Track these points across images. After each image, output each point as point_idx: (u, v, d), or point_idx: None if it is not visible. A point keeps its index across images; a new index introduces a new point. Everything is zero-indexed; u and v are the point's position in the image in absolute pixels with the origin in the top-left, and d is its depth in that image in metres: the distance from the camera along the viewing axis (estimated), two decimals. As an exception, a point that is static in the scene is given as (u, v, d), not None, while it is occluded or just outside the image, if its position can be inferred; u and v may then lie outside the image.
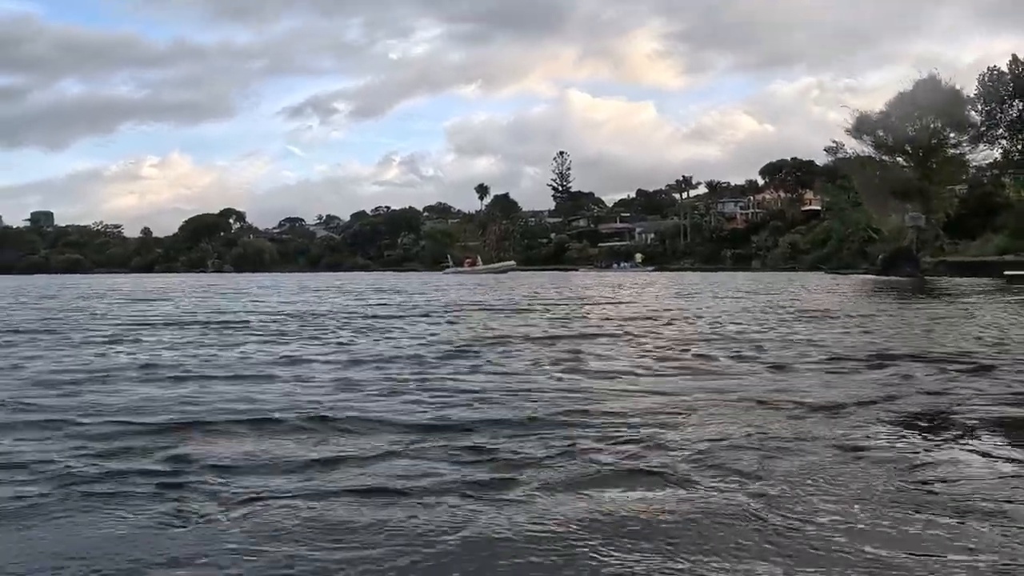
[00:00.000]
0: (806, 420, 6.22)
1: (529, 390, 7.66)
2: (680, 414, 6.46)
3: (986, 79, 66.60)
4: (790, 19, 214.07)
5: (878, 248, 67.11)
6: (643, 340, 12.95)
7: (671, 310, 21.95)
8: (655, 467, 4.83)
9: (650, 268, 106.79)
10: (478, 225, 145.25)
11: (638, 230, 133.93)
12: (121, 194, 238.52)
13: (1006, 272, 41.24)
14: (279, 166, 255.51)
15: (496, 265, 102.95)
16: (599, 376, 8.70)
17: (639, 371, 9.03)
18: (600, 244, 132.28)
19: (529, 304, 25.62)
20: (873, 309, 21.70)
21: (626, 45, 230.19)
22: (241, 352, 11.51)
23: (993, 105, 65.88)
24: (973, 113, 62.99)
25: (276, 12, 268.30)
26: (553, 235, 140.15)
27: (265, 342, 13.04)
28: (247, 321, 18.30)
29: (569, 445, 5.36)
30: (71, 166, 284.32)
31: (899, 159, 62.67)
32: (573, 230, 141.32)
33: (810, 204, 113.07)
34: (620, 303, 26.66)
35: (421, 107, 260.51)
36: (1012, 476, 4.69)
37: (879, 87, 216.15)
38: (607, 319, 18.98)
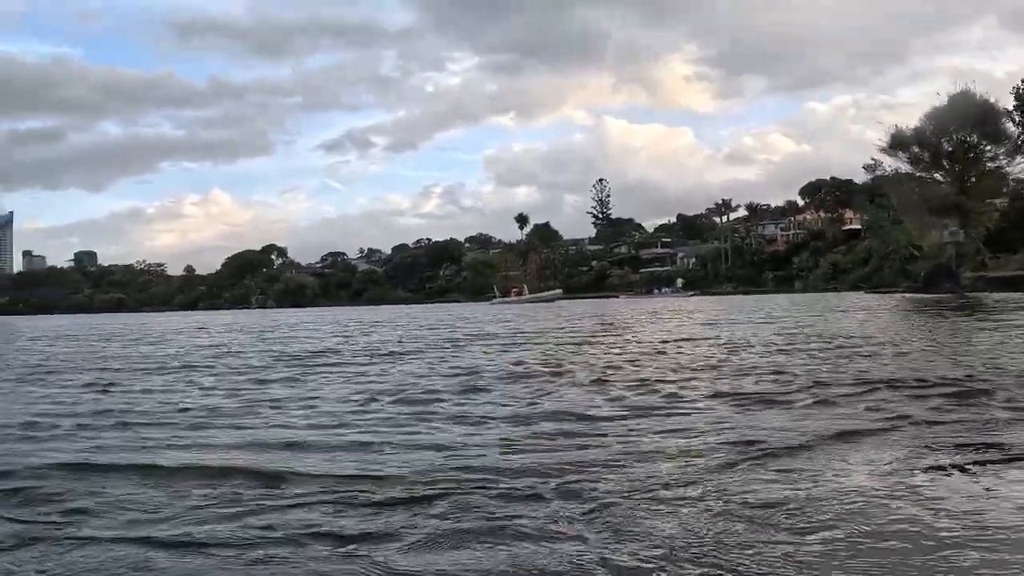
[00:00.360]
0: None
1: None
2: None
3: (1021, 91, 65.92)
4: (821, 39, 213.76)
5: (919, 266, 66.55)
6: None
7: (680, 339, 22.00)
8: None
9: (691, 293, 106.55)
10: (519, 255, 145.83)
11: (679, 255, 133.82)
12: (163, 232, 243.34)
13: None
14: (319, 200, 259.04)
15: (543, 294, 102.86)
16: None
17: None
18: (641, 270, 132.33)
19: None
20: (895, 331, 21.72)
21: (660, 71, 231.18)
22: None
23: (1032, 116, 65.13)
24: (1009, 125, 62.21)
25: (310, 48, 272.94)
26: (594, 262, 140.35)
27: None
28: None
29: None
30: (113, 206, 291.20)
31: (936, 175, 62.08)
32: (614, 257, 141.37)
33: (851, 223, 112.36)
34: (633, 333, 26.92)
35: (458, 138, 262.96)
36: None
37: (914, 103, 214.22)
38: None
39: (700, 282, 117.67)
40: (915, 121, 63.38)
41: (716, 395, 8.87)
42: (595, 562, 3.63)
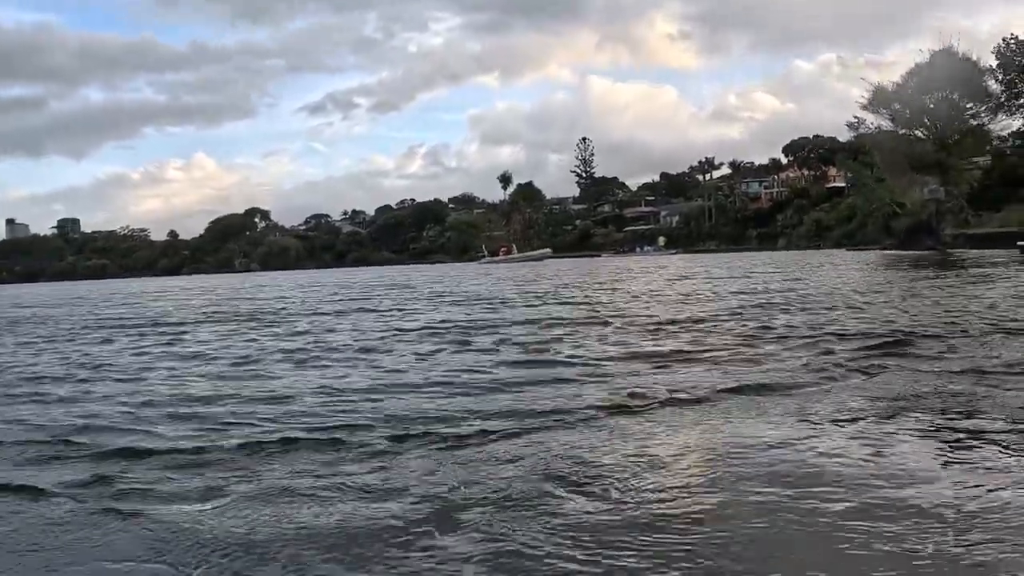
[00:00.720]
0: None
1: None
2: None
3: (1003, 49, 65.40)
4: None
5: (901, 223, 66.49)
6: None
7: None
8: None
9: (672, 251, 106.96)
10: (502, 215, 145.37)
11: (663, 213, 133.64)
12: (146, 198, 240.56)
13: (1018, 243, 41.03)
14: (303, 163, 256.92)
15: (532, 253, 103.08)
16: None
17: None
18: (625, 228, 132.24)
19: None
20: (858, 286, 21.78)
21: (644, 29, 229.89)
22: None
23: (1013, 74, 64.70)
24: (992, 83, 61.87)
25: (291, 11, 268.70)
26: (578, 221, 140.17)
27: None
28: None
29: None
30: (96, 172, 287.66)
31: (917, 132, 61.82)
32: (598, 216, 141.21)
33: (834, 181, 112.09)
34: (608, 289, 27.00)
35: (442, 99, 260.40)
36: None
37: (900, 62, 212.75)
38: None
39: (684, 240, 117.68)
40: (898, 79, 63.20)
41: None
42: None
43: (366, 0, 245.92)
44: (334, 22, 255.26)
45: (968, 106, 60.47)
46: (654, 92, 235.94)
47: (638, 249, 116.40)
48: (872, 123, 64.12)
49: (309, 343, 12.97)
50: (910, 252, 53.41)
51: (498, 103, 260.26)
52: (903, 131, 61.96)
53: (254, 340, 13.91)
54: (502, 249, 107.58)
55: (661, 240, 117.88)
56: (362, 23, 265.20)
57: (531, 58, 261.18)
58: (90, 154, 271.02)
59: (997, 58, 64.43)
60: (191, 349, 12.94)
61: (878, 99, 60.99)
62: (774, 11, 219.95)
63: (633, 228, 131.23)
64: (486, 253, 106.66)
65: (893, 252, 56.03)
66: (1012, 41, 65.22)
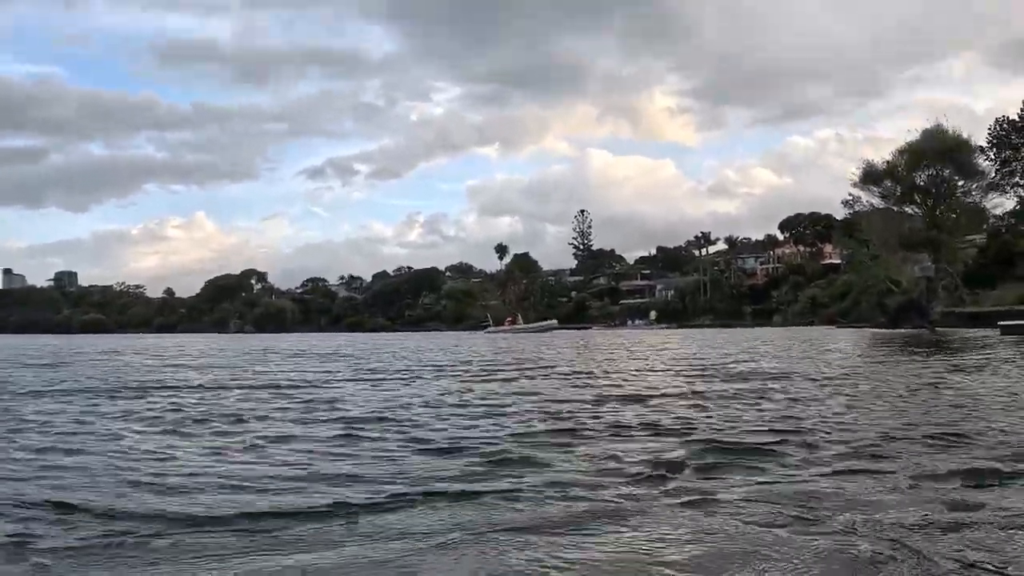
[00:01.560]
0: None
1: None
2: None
3: (997, 129, 65.57)
4: (804, 71, 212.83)
5: (893, 300, 65.77)
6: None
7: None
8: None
9: (662, 325, 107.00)
10: (498, 284, 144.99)
11: (659, 287, 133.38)
12: (145, 255, 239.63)
13: (999, 323, 40.62)
14: (302, 227, 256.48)
15: (540, 324, 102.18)
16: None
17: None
18: (621, 301, 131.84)
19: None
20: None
21: (644, 102, 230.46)
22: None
23: (1008, 152, 64.74)
24: (981, 160, 61.73)
25: (294, 76, 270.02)
26: (574, 293, 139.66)
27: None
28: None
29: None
30: (95, 227, 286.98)
31: (907, 209, 61.42)
32: (594, 288, 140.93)
33: (830, 258, 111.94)
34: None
35: (441, 167, 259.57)
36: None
37: (895, 137, 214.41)
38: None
39: (679, 315, 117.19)
40: (888, 156, 63.06)
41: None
42: None
43: (369, 68, 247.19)
44: (336, 87, 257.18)
45: (959, 183, 60.12)
46: (653, 165, 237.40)
47: (629, 323, 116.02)
48: (866, 200, 63.94)
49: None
50: (899, 331, 52.78)
51: (497, 174, 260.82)
52: (895, 208, 61.52)
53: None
54: (507, 320, 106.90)
55: (652, 314, 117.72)
56: (363, 90, 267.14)
57: (530, 130, 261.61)
58: (90, 208, 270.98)
59: (991, 138, 64.58)
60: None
61: (869, 176, 60.77)
62: (771, 87, 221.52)
63: (628, 301, 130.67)
64: (491, 323, 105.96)
65: (882, 331, 55.28)
66: (1004, 122, 65.46)
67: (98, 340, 73.55)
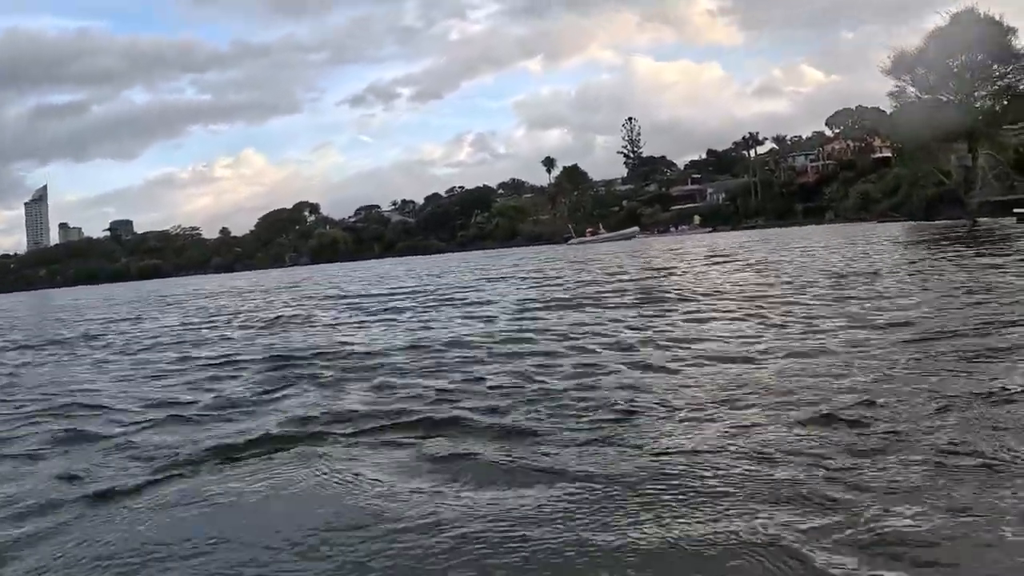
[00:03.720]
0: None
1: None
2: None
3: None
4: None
5: (930, 193, 64.62)
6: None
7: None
8: None
9: (707, 229, 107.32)
10: (548, 198, 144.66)
11: (709, 191, 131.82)
12: (197, 196, 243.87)
13: (1015, 210, 39.81)
14: (351, 155, 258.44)
15: (624, 231, 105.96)
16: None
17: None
18: (672, 207, 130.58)
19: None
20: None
21: (684, 6, 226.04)
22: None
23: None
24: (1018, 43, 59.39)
25: (330, 4, 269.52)
26: (624, 202, 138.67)
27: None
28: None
29: None
30: (145, 174, 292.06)
31: (941, 97, 59.59)
32: (644, 195, 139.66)
33: (880, 152, 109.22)
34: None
35: (486, 85, 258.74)
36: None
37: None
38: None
39: (732, 217, 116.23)
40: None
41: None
42: None
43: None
44: (373, 12, 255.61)
45: (995, 67, 58.15)
46: (698, 69, 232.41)
47: (672, 228, 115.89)
48: (911, 92, 62.14)
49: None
50: (934, 222, 52.17)
51: (542, 87, 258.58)
52: (927, 96, 59.82)
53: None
54: (588, 231, 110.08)
55: (696, 219, 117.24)
56: (401, 13, 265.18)
57: (573, 40, 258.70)
58: (137, 155, 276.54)
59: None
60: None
61: (900, 64, 59.09)
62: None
63: (679, 207, 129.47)
64: (573, 234, 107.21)
65: (916, 223, 54.71)
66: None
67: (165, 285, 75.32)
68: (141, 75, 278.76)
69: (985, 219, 50.26)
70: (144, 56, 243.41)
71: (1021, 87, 60.02)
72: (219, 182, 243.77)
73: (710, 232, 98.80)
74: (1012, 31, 57.94)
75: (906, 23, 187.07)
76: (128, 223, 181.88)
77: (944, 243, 26.60)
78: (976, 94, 58.56)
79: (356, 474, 4.73)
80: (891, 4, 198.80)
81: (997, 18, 57.32)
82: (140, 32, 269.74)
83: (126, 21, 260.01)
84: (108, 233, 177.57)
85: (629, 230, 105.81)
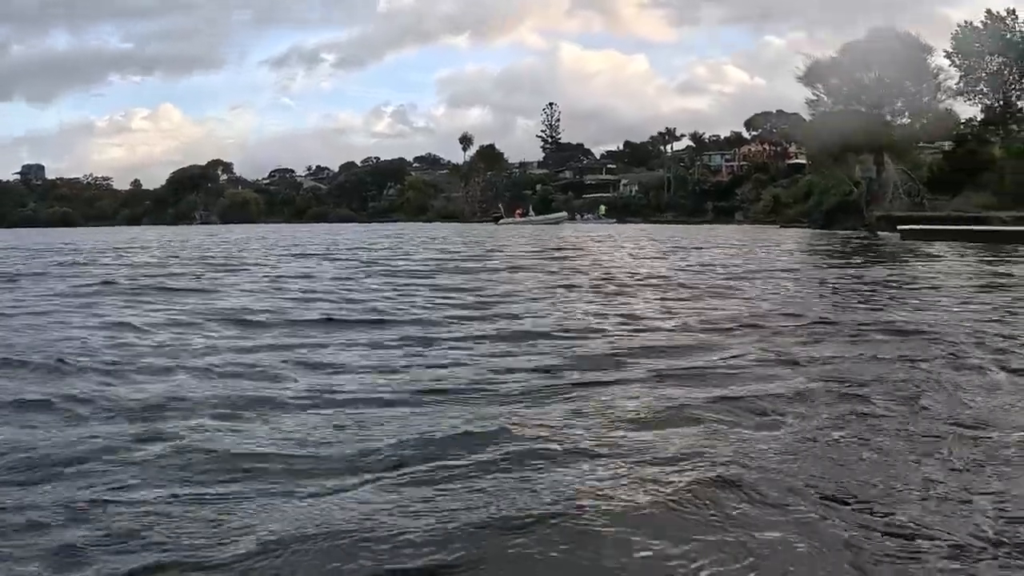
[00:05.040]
0: None
1: None
2: None
3: (959, 34, 63.46)
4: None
5: (831, 201, 65.02)
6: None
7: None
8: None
9: (612, 220, 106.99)
10: (462, 176, 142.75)
11: (623, 182, 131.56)
12: (111, 146, 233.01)
13: (899, 227, 40.58)
14: (269, 117, 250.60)
15: (550, 216, 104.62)
16: None
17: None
18: (585, 195, 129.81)
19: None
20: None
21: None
22: None
23: (972, 60, 62.91)
24: (933, 63, 59.68)
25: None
26: (539, 186, 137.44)
27: None
28: None
29: None
30: (61, 119, 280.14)
31: (855, 108, 59.41)
32: (559, 181, 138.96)
33: (795, 158, 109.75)
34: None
35: (411, 58, 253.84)
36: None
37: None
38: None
39: (643, 210, 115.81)
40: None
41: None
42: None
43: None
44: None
45: (908, 84, 58.01)
46: (624, 61, 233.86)
47: (578, 217, 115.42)
48: (828, 101, 61.91)
49: None
50: (831, 232, 52.42)
51: (467, 65, 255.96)
52: (838, 107, 59.60)
53: None
54: (517, 212, 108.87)
55: (602, 209, 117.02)
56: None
57: (502, 21, 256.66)
58: (55, 100, 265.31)
59: (955, 45, 62.60)
60: None
61: (814, 72, 58.79)
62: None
63: (593, 196, 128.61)
64: (503, 214, 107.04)
65: (815, 230, 55.09)
66: (967, 27, 63.31)
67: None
68: (64, 18, 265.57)
69: (884, 232, 50.47)
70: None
71: (938, 105, 60.36)
72: (135, 134, 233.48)
73: (614, 224, 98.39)
74: (929, 50, 58.09)
75: (842, 31, 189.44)
76: (40, 168, 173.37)
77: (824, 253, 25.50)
78: (886, 108, 58.48)
79: None
80: (820, 15, 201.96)
81: (914, 35, 57.42)
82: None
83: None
84: (18, 176, 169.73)
85: (557, 215, 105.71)
